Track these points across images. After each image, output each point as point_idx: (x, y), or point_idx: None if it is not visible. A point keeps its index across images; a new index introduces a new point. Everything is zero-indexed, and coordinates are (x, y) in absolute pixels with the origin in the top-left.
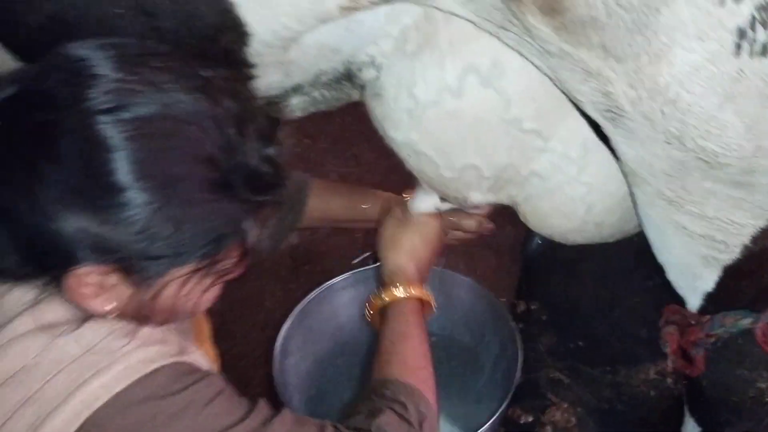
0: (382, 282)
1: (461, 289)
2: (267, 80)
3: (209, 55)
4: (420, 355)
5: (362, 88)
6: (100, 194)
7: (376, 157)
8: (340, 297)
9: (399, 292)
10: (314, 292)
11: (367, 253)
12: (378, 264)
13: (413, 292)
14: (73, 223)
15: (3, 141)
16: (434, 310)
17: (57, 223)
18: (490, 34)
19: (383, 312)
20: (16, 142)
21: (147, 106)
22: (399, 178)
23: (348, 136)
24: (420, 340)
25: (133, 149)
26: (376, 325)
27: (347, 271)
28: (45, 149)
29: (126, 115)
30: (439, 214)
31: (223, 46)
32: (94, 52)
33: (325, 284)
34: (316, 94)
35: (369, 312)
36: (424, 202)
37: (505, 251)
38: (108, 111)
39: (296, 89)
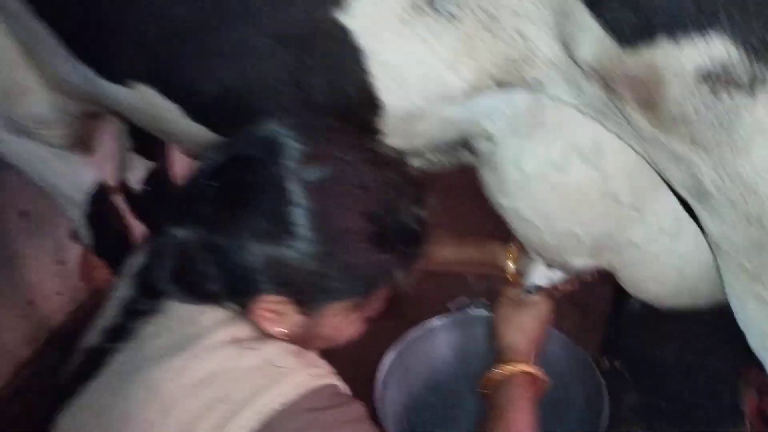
0: (497, 357)
1: (548, 341)
2: (392, 145)
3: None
4: (528, 426)
5: (475, 155)
6: (284, 239)
7: (470, 209)
8: (437, 339)
9: (512, 368)
10: (414, 330)
11: (464, 299)
12: (475, 312)
13: (525, 368)
14: (262, 260)
15: (218, 195)
16: (547, 385)
17: (250, 259)
18: (592, 118)
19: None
20: (226, 196)
21: (324, 171)
22: (492, 230)
23: (442, 187)
24: (528, 412)
25: (312, 205)
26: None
27: (436, 315)
28: (246, 201)
29: (308, 178)
30: (551, 295)
31: (360, 118)
32: (284, 129)
33: (424, 323)
34: (432, 157)
35: (484, 385)
36: (538, 275)
37: (590, 307)
38: (294, 174)
39: (415, 153)
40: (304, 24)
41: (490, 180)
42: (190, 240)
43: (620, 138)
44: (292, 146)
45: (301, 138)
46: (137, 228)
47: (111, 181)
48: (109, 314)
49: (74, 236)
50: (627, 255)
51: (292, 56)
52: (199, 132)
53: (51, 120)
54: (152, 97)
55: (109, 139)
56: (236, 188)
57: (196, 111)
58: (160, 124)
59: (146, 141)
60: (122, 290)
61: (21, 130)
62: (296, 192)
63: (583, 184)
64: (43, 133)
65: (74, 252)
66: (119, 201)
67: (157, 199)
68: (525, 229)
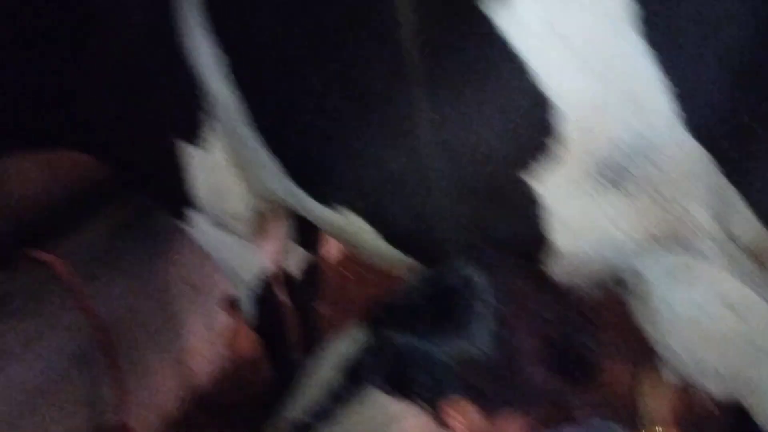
0: (644, 421)
1: None
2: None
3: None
4: None
5: (627, 291)
6: (474, 352)
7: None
8: None
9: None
10: None
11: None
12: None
13: None
14: (455, 366)
15: (429, 314)
16: None
17: (447, 365)
18: (741, 276)
19: None
20: (435, 315)
21: (508, 300)
22: None
23: None
24: None
25: (497, 328)
26: None
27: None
28: (449, 320)
29: (495, 304)
30: None
31: (534, 257)
32: (475, 266)
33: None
34: (588, 290)
35: None
36: None
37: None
38: (484, 302)
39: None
40: (494, 180)
41: (640, 312)
42: (404, 345)
43: (764, 296)
44: (482, 280)
45: (489, 272)
46: (292, 311)
47: (274, 266)
48: (311, 393)
49: (228, 308)
50: (759, 394)
51: (480, 202)
52: (390, 252)
53: (245, 217)
54: (356, 221)
55: (278, 229)
56: (442, 310)
57: (392, 237)
58: (355, 242)
59: (306, 233)
60: (324, 373)
61: (218, 222)
62: (486, 316)
63: (728, 329)
64: (234, 226)
65: (223, 321)
66: (280, 284)
67: (312, 286)
68: (668, 354)
